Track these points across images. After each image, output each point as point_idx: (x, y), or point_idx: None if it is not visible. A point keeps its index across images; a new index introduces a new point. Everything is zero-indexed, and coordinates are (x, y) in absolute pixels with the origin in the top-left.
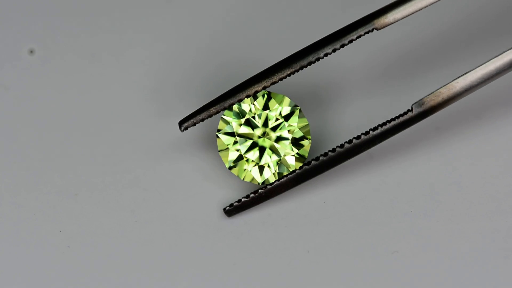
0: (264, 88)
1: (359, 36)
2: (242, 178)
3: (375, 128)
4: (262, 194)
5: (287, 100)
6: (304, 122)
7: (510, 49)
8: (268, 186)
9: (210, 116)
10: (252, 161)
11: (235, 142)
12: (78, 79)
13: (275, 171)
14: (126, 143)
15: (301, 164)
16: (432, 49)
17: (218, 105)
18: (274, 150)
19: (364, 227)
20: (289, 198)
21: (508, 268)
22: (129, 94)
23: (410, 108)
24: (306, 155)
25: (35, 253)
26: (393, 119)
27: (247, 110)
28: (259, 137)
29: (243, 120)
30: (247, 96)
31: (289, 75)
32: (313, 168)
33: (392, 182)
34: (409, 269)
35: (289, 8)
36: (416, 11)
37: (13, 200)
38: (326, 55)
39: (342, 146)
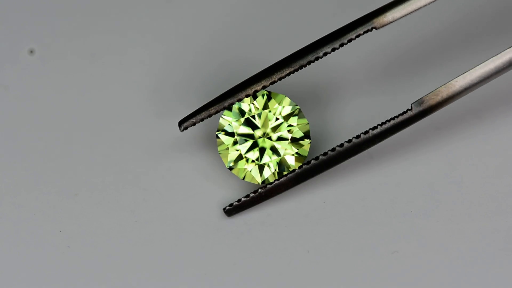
0: (264, 87)
1: (359, 35)
2: (242, 178)
3: (374, 128)
4: (262, 194)
5: (287, 100)
6: (304, 121)
7: (509, 48)
8: (268, 186)
9: (210, 116)
10: (252, 161)
11: (235, 142)
12: (78, 79)
13: (275, 170)
14: (126, 143)
15: (300, 164)
16: (431, 48)
17: (217, 105)
18: (274, 150)
19: (364, 227)
20: (289, 198)
21: (508, 268)
22: (129, 94)
23: (410, 107)
24: (306, 154)
25: (35, 253)
26: (392, 118)
27: (246, 110)
28: (259, 137)
29: (243, 120)
30: (247, 96)
31: (288, 74)
32: (313, 167)
33: (392, 182)
34: (409, 269)
35: (288, 8)
36: (415, 10)
37: (13, 200)
38: (325, 54)
39: (342, 145)
